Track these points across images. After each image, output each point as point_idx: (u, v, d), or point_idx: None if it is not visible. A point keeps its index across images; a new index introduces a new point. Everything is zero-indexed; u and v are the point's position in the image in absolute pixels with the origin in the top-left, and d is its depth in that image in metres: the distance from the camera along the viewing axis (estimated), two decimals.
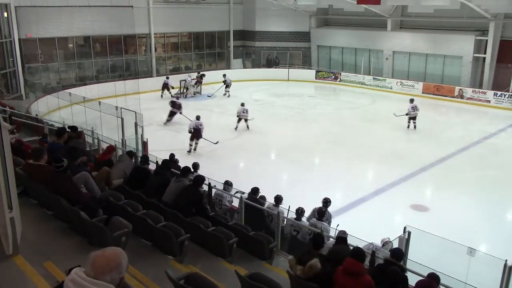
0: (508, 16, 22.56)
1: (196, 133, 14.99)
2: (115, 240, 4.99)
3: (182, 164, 9.78)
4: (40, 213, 6.27)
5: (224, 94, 24.26)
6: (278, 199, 8.28)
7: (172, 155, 10.27)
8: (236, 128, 17.79)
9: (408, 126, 18.06)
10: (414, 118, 17.94)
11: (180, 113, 18.34)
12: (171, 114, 18.54)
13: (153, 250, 5.79)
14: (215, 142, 15.43)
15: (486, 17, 22.59)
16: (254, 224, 7.17)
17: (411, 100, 18.33)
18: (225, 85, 24.29)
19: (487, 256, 7.47)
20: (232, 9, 30.38)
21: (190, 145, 15.04)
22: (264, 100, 24.13)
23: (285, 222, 7.96)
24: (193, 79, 24.52)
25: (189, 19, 28.11)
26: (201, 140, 15.12)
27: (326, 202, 8.33)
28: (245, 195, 8.35)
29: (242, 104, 18.00)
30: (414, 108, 17.90)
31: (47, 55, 23.32)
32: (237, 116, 17.84)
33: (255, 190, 8.44)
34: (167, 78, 23.95)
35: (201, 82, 24.71)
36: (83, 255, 2.36)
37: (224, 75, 24.57)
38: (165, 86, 23.36)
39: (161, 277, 4.21)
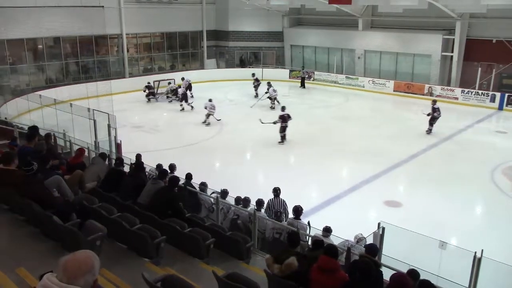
0: (473, 16, 23.23)
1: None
2: (89, 244, 4.91)
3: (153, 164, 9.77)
4: (11, 219, 6.13)
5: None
6: (259, 203, 8.29)
7: (138, 155, 10.13)
8: (206, 122, 18.87)
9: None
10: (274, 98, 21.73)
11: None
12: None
13: (129, 253, 5.72)
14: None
15: (452, 16, 23.21)
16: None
17: (269, 84, 22.14)
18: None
19: (457, 248, 7.70)
20: (204, 9, 30.25)
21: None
22: (238, 100, 24.14)
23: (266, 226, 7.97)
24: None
25: (161, 19, 27.82)
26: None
27: (276, 190, 8.81)
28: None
29: (210, 100, 19.04)
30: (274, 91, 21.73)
31: (16, 56, 22.72)
32: (206, 110, 18.86)
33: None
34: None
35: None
36: (56, 260, 2.32)
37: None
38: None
39: (137, 280, 4.17)
